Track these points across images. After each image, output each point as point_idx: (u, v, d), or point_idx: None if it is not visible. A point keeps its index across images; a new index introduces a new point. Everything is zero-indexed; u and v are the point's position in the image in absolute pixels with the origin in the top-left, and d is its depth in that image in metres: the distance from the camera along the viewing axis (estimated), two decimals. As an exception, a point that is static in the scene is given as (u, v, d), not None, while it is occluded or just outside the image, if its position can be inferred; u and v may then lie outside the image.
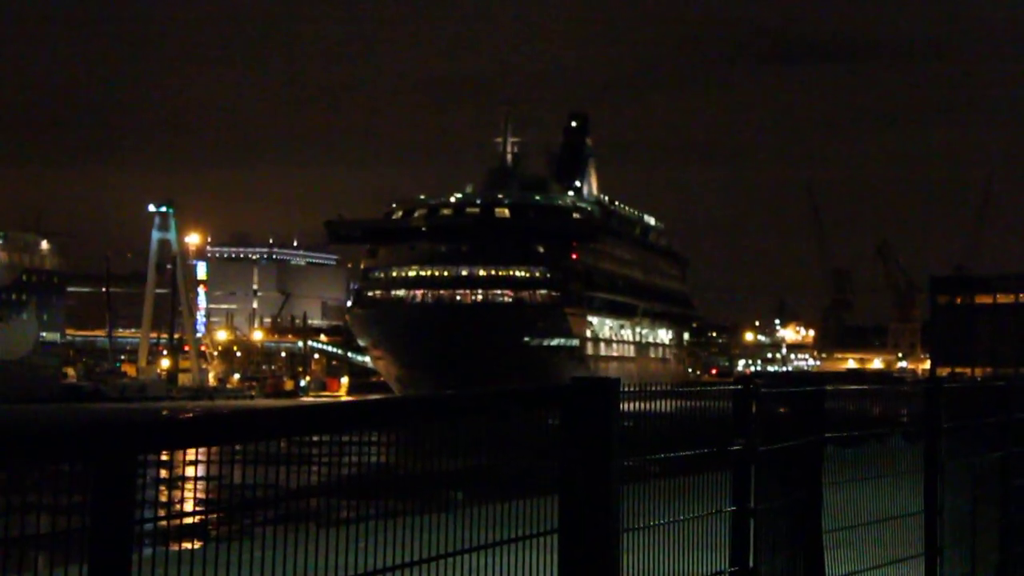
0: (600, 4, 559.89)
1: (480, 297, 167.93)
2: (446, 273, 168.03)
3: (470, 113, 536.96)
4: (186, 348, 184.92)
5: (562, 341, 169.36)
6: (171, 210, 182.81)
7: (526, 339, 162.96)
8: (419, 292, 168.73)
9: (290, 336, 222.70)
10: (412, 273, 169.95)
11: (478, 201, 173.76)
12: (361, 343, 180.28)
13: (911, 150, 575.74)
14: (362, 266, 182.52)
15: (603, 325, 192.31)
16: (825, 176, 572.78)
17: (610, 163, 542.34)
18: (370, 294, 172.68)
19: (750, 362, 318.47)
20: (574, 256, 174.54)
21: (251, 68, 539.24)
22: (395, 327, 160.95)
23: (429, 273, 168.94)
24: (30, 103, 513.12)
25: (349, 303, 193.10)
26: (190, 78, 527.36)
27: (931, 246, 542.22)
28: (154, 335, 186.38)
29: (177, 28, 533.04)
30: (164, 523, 5.65)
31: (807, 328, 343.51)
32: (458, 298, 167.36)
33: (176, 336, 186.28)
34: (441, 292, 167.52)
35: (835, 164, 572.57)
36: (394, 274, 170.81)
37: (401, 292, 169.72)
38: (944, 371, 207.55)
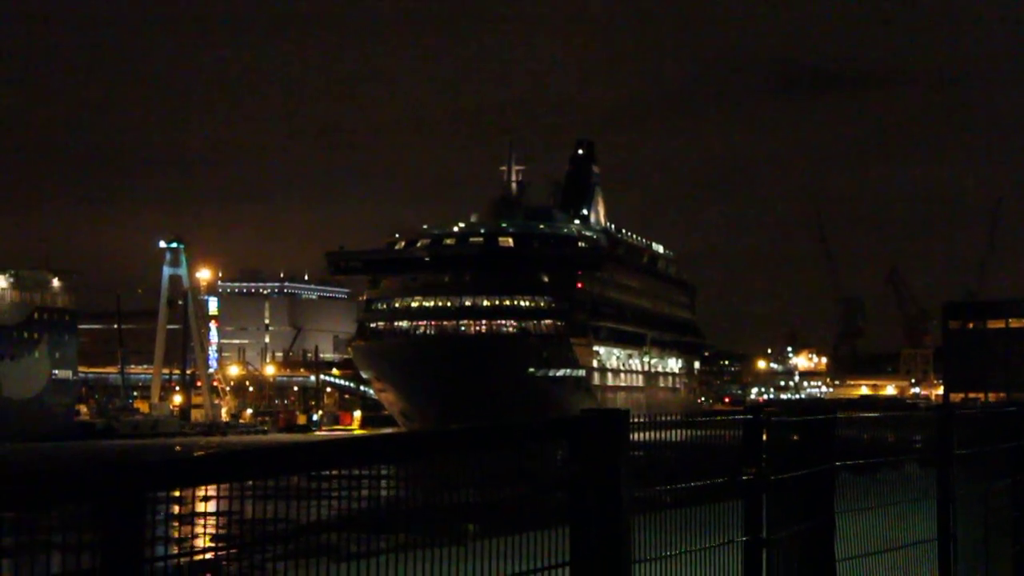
0: (609, 35, 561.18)
1: (484, 328, 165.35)
2: (449, 304, 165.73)
3: (481, 144, 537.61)
4: (198, 383, 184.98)
5: (568, 372, 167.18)
6: (182, 246, 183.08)
7: (531, 370, 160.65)
8: (422, 323, 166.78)
9: (302, 370, 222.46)
10: (415, 304, 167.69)
11: (482, 231, 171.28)
12: (364, 375, 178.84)
13: (920, 176, 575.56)
14: (364, 297, 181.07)
15: (610, 355, 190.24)
16: (835, 203, 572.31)
17: (619, 192, 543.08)
18: (372, 325, 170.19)
19: (763, 390, 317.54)
20: (579, 285, 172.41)
21: (259, 103, 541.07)
22: (398, 359, 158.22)
23: (432, 304, 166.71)
24: (39, 140, 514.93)
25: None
26: (200, 114, 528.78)
27: (942, 272, 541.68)
28: (166, 371, 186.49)
29: (186, 65, 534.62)
30: (177, 560, 5.63)
31: (819, 355, 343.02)
32: (461, 329, 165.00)
33: (188, 372, 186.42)
34: (444, 323, 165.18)
35: (845, 191, 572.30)
36: (396, 305, 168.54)
37: (404, 323, 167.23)
38: (957, 397, 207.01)
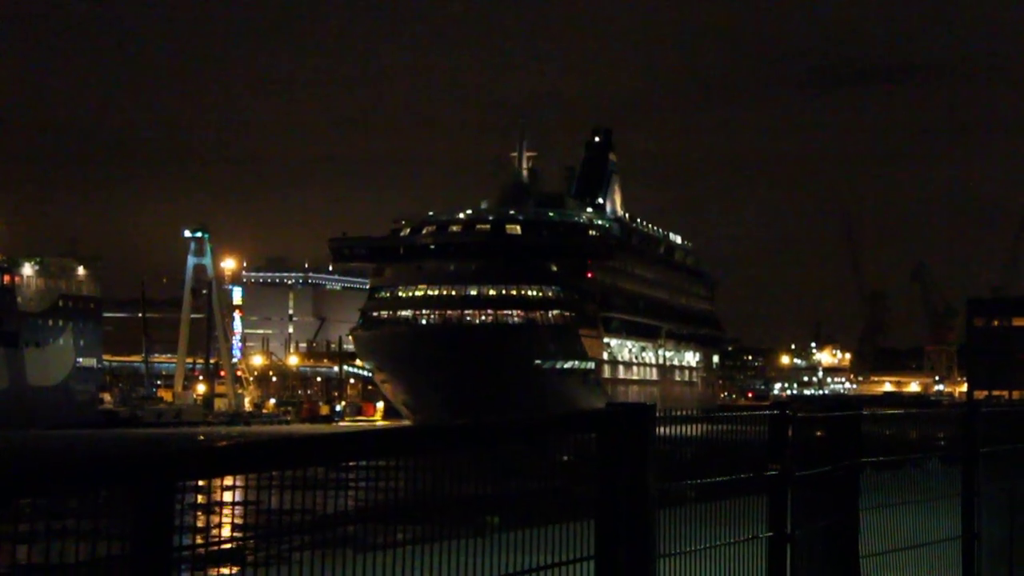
0: (639, 25, 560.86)
1: (490, 318, 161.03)
2: (454, 293, 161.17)
3: (503, 132, 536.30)
4: (222, 373, 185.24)
5: (576, 364, 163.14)
6: (206, 235, 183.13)
7: (538, 362, 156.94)
8: (426, 312, 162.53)
9: (325, 361, 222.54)
10: (419, 293, 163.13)
11: (489, 218, 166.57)
12: (367, 366, 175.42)
13: (948, 172, 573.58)
14: (368, 285, 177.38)
15: (622, 347, 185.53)
16: (861, 198, 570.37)
17: (643, 183, 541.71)
18: (375, 314, 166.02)
19: (786, 385, 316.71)
20: (589, 275, 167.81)
21: (283, 94, 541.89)
22: (398, 349, 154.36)
23: (437, 293, 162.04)
24: (64, 128, 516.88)
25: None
26: (224, 104, 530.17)
27: (967, 269, 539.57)
28: (190, 360, 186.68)
29: (211, 56, 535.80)
30: (203, 549, 5.65)
31: (843, 351, 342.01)
32: (467, 319, 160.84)
33: (212, 361, 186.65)
34: (449, 312, 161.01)
35: (871, 186, 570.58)
36: (400, 294, 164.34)
37: (408, 312, 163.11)
38: (981, 394, 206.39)
